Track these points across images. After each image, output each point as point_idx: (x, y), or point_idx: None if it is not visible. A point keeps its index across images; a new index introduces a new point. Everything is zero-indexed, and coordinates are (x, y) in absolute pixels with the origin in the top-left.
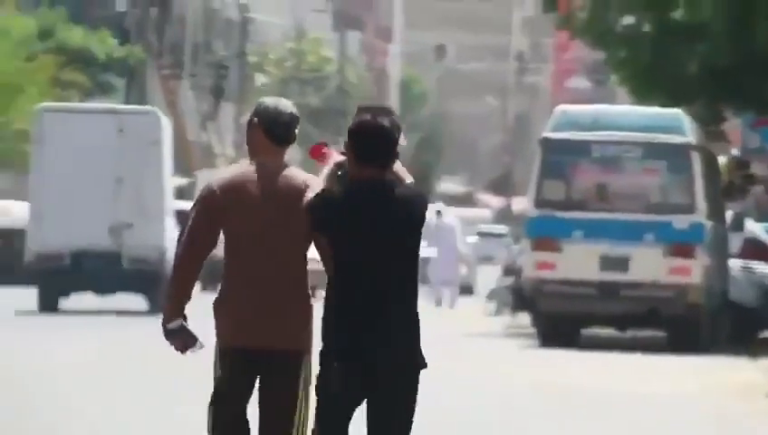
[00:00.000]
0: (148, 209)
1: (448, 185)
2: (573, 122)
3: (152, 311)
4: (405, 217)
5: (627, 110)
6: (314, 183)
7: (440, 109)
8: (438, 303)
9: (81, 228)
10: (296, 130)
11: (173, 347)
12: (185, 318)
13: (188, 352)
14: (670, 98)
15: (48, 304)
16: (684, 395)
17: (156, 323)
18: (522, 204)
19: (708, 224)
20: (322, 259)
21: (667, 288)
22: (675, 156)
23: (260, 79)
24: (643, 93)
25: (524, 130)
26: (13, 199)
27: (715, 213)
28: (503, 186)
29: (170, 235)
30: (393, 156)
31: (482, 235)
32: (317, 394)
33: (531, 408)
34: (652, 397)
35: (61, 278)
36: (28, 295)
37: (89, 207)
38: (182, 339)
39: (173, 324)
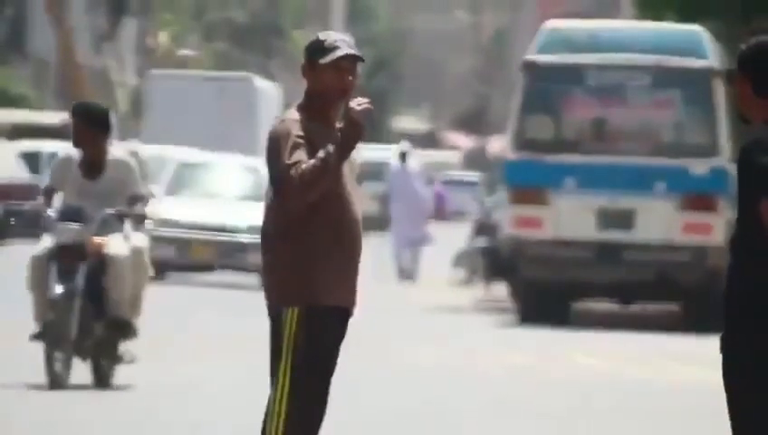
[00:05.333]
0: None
1: (407, 120)
2: (565, 42)
3: None
4: None
5: (632, 26)
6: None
7: (398, 25)
8: (402, 274)
9: None
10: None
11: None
12: None
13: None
14: (687, 12)
15: None
16: (703, 385)
17: None
18: (499, 145)
19: (733, 169)
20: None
21: (681, 250)
22: (692, 84)
23: None
24: (654, 6)
25: (503, 51)
26: None
27: None
28: (475, 122)
29: None
30: None
31: (449, 183)
32: None
33: (507, 400)
34: (664, 388)
35: None
36: None
37: None
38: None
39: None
